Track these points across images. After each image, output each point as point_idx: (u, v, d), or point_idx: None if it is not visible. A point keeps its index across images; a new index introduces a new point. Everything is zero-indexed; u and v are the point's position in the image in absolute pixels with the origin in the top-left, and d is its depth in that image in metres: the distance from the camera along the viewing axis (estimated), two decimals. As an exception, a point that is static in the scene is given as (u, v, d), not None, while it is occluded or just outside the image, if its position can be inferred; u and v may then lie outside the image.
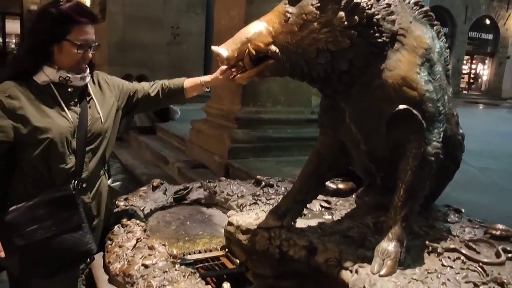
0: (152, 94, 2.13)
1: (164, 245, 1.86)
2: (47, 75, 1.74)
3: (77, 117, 1.81)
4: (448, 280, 1.63)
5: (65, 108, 1.78)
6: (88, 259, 1.90)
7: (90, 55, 1.81)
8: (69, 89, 1.79)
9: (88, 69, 1.86)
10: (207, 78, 2.17)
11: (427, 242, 1.92)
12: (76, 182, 1.80)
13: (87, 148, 1.84)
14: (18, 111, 1.67)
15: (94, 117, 1.88)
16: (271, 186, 2.83)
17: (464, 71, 26.77)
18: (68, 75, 1.77)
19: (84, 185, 1.85)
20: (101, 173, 1.98)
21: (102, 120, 1.90)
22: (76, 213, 1.77)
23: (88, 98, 1.89)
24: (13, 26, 21.87)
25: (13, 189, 1.76)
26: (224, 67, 1.96)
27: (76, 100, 1.83)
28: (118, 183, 2.13)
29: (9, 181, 1.76)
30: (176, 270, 1.66)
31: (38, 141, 1.70)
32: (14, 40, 22.18)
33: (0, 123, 1.65)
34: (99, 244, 1.96)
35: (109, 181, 2.05)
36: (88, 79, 1.87)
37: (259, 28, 1.70)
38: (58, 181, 1.77)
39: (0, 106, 1.66)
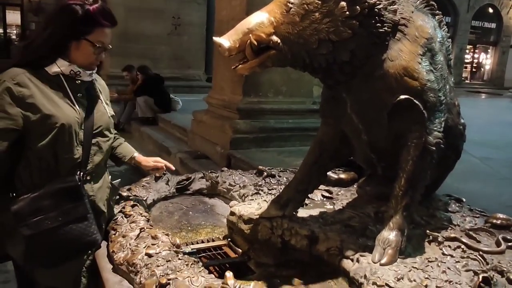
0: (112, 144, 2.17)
1: (167, 234, 1.88)
2: (58, 66, 1.75)
3: (84, 109, 1.83)
4: (448, 268, 1.64)
5: (73, 99, 1.79)
6: (93, 249, 1.92)
7: (103, 56, 1.85)
8: (77, 81, 1.81)
9: (95, 73, 1.90)
10: (138, 157, 2.28)
11: (427, 231, 1.94)
12: (81, 173, 1.81)
13: (93, 141, 1.87)
14: (27, 99, 1.68)
15: (100, 111, 1.92)
16: (273, 176, 2.84)
17: (466, 61, 26.62)
18: (79, 69, 1.79)
19: (88, 177, 1.87)
20: (105, 169, 2.02)
21: (108, 113, 1.95)
22: (82, 204, 1.79)
23: (95, 93, 1.93)
24: (13, 16, 21.80)
25: (19, 179, 1.77)
26: (161, 164, 2.25)
27: (83, 93, 1.86)
28: (118, 180, 2.16)
29: (14, 171, 1.77)
30: (179, 259, 1.67)
31: (47, 129, 1.71)
32: (15, 31, 22.13)
33: (10, 110, 1.66)
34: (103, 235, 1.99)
35: (109, 179, 2.08)
36: (94, 76, 1.91)
37: (260, 19, 1.70)
38: (64, 172, 1.78)
39: (9, 94, 1.65)
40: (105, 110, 1.94)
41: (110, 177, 2.09)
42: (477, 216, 2.19)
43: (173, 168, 2.34)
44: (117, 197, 2.26)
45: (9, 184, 1.76)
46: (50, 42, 1.73)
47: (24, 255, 1.76)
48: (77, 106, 1.80)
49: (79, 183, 1.78)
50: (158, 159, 2.30)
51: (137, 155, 2.26)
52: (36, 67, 1.73)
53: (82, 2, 1.74)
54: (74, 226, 1.77)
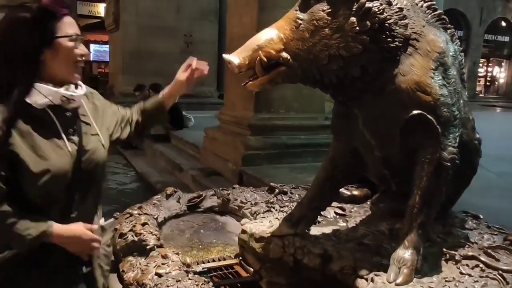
0: (133, 118, 1.88)
1: (177, 253, 1.85)
2: (45, 95, 1.42)
3: (76, 149, 1.52)
4: (467, 288, 1.59)
5: (65, 140, 1.49)
6: None
7: (85, 49, 1.53)
8: (67, 113, 1.51)
9: (83, 84, 1.59)
10: (167, 88, 2.01)
11: (444, 249, 1.89)
12: (71, 216, 1.53)
13: (82, 184, 1.55)
14: (6, 148, 1.37)
15: (92, 143, 1.59)
16: (285, 193, 2.81)
17: (480, 74, 26.42)
18: (71, 93, 1.48)
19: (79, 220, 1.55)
20: (95, 211, 1.68)
21: (104, 145, 1.63)
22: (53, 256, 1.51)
23: (85, 121, 1.60)
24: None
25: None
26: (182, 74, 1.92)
27: (74, 127, 1.54)
28: (110, 220, 1.76)
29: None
30: (189, 279, 1.65)
31: (31, 186, 1.43)
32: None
33: None
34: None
35: (101, 220, 1.70)
36: (86, 90, 1.61)
37: (270, 35, 1.69)
38: (54, 219, 1.48)
39: None
40: (99, 141, 1.61)
41: (102, 219, 1.71)
42: (495, 233, 2.13)
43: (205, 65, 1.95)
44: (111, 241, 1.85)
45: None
46: (12, 65, 1.40)
47: None
48: (69, 148, 1.49)
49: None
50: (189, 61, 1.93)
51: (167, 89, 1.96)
52: (12, 102, 1.38)
53: (24, 7, 1.45)
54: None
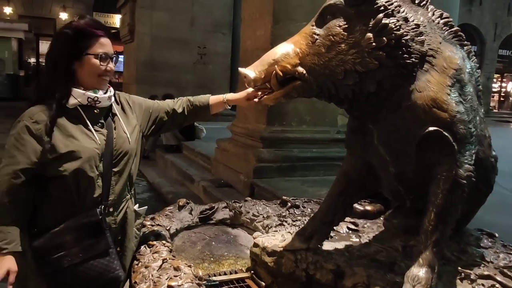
0: (178, 111, 2.10)
1: (189, 266, 1.85)
2: (75, 97, 1.74)
3: (104, 139, 1.80)
4: (483, 309, 1.56)
5: (93, 130, 1.77)
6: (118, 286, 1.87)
7: (112, 66, 1.81)
8: (96, 111, 1.80)
9: (112, 88, 1.88)
10: (229, 96, 2.14)
11: (459, 268, 1.87)
12: (103, 206, 1.78)
13: (114, 170, 1.83)
14: (44, 137, 1.67)
15: (121, 137, 1.86)
16: (297, 207, 2.80)
17: (494, 90, 26.23)
18: (96, 95, 1.77)
19: (111, 209, 1.84)
20: (128, 197, 1.95)
21: (130, 140, 1.89)
22: (103, 238, 1.76)
23: (113, 118, 1.88)
24: (46, 47, 22.65)
25: (41, 215, 1.75)
26: (251, 89, 1.94)
27: (102, 121, 1.83)
28: (144, 208, 2.08)
29: (37, 207, 1.74)
30: (201, 292, 1.64)
31: (66, 165, 1.69)
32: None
33: (26, 149, 1.65)
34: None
35: (135, 206, 2.01)
36: (113, 98, 1.88)
37: (286, 50, 1.70)
38: (87, 206, 1.76)
39: (28, 131, 1.66)
40: (125, 134, 1.88)
41: (136, 205, 2.03)
42: (511, 252, 2.09)
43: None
44: (141, 225, 2.22)
45: (32, 219, 1.75)
46: (56, 73, 1.74)
47: None
48: (96, 137, 1.77)
49: (100, 217, 1.75)
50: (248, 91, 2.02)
51: (228, 96, 2.13)
52: (53, 102, 1.72)
53: (69, 24, 1.78)
54: (96, 262, 1.74)
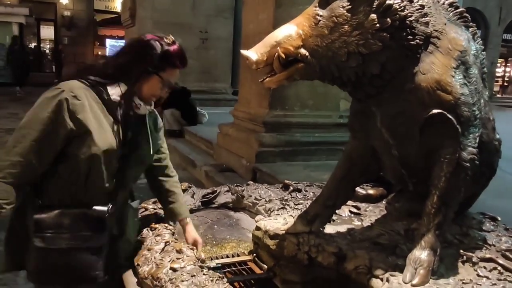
0: (157, 175, 2.13)
1: (192, 249, 1.86)
2: (122, 90, 1.76)
3: (127, 142, 1.80)
4: (484, 291, 1.57)
5: (120, 130, 1.77)
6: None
7: (166, 93, 1.85)
8: (131, 112, 1.80)
9: (154, 109, 1.93)
10: (185, 224, 2.14)
11: (461, 251, 1.87)
12: (111, 206, 1.77)
13: (128, 175, 1.84)
14: (78, 114, 1.65)
15: (143, 145, 1.88)
16: (299, 191, 2.80)
17: (498, 74, 26.05)
18: (140, 102, 1.80)
19: (114, 209, 1.82)
20: (129, 201, 1.98)
21: (152, 150, 1.93)
22: (101, 236, 1.75)
23: (143, 128, 1.90)
24: (47, 31, 22.57)
25: (46, 191, 1.74)
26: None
27: (133, 126, 1.83)
28: (136, 201, 2.07)
29: (44, 182, 1.73)
30: (204, 274, 1.65)
31: (85, 150, 1.67)
32: (48, 46, 22.88)
33: (64, 121, 1.63)
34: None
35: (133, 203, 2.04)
36: (152, 107, 1.91)
37: (288, 31, 1.68)
38: (89, 195, 1.74)
39: (66, 104, 1.63)
40: (148, 147, 1.90)
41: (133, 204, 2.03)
42: (513, 236, 2.09)
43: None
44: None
45: (38, 190, 1.74)
46: (121, 68, 1.75)
47: (33, 269, 1.73)
48: (121, 136, 1.76)
49: (106, 215, 1.75)
50: (198, 241, 2.12)
51: (184, 219, 2.15)
52: (97, 86, 1.73)
53: (161, 39, 1.78)
54: (85, 255, 1.72)
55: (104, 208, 1.75)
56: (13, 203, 1.64)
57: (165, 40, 1.79)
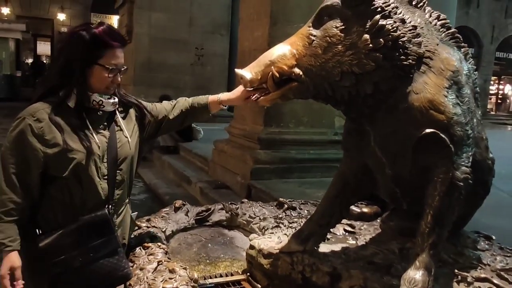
0: (176, 113, 2.07)
1: (185, 268, 1.83)
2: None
3: (105, 141, 1.78)
4: (480, 312, 1.55)
5: (93, 132, 1.75)
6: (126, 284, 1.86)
7: (119, 79, 1.79)
8: (99, 113, 1.78)
9: (117, 97, 1.85)
10: (224, 97, 2.09)
11: (456, 270, 1.86)
12: (109, 206, 1.78)
13: (118, 172, 1.82)
14: (46, 135, 1.65)
15: (121, 141, 1.85)
16: (294, 209, 2.79)
17: (491, 92, 26.28)
18: (101, 99, 1.75)
19: (112, 211, 1.83)
20: (127, 201, 1.95)
21: (130, 144, 1.88)
22: (113, 238, 1.75)
23: (116, 122, 1.86)
24: (44, 47, 22.67)
25: (42, 218, 1.73)
26: (241, 87, 1.91)
27: (105, 123, 1.81)
28: (135, 213, 2.07)
29: (38, 209, 1.72)
30: (196, 294, 1.63)
31: (67, 164, 1.67)
32: (45, 61, 22.94)
33: (32, 146, 1.63)
34: None
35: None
36: (117, 100, 1.84)
37: (282, 51, 1.70)
38: (89, 207, 1.74)
39: (30, 130, 1.64)
40: (126, 138, 1.86)
41: (130, 210, 2.02)
42: (508, 255, 2.09)
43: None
44: (136, 229, 2.22)
45: (34, 220, 1.73)
46: (64, 72, 1.71)
47: None
48: (96, 139, 1.75)
49: (109, 216, 1.75)
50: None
51: (222, 97, 2.07)
52: (56, 100, 1.71)
53: (87, 27, 1.71)
54: (106, 261, 1.73)
55: (104, 211, 1.74)
56: (18, 240, 1.65)
57: (91, 25, 1.72)
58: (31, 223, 1.72)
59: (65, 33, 2.06)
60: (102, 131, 1.79)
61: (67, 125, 1.69)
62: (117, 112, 1.87)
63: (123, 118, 1.91)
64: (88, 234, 1.71)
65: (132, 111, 1.97)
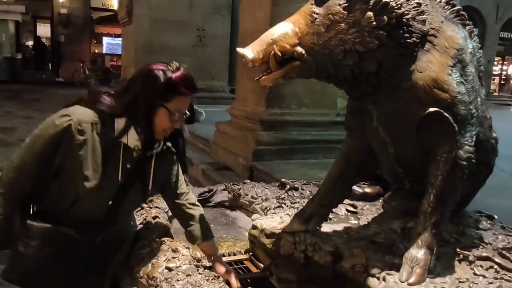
0: (177, 201, 1.97)
1: (188, 248, 1.84)
2: (128, 138, 1.67)
3: (124, 178, 1.70)
4: (481, 290, 1.56)
5: (120, 168, 1.68)
6: None
7: (179, 125, 1.72)
8: (134, 153, 1.71)
9: (163, 144, 1.79)
10: (215, 258, 1.95)
11: (458, 249, 1.86)
12: (98, 238, 1.73)
13: (124, 208, 1.77)
14: (77, 151, 1.58)
15: (137, 190, 1.78)
16: (296, 189, 2.80)
17: (494, 73, 26.09)
18: (141, 146, 1.69)
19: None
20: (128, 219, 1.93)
21: (149, 189, 1.82)
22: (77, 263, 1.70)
23: (145, 169, 1.78)
24: (44, 29, 22.53)
25: (40, 201, 1.71)
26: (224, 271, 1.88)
27: (133, 163, 1.72)
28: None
29: (39, 191, 1.69)
30: (199, 273, 1.64)
31: (74, 186, 1.62)
32: (45, 43, 22.80)
33: (58, 151, 1.58)
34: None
35: None
36: (159, 149, 1.77)
37: (285, 29, 1.67)
38: (84, 216, 1.69)
39: (66, 133, 1.57)
40: (143, 191, 1.79)
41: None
42: (510, 234, 2.09)
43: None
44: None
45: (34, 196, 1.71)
46: (129, 107, 1.64)
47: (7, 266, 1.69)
48: (119, 175, 1.68)
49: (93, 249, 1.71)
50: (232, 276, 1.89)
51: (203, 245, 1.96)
52: (108, 120, 1.64)
53: (166, 68, 1.65)
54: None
55: (92, 246, 1.70)
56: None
57: (169, 67, 1.65)
58: (30, 198, 1.71)
59: (143, 68, 2.01)
60: (127, 168, 1.71)
61: (99, 150, 1.63)
62: (153, 159, 1.79)
63: (158, 163, 1.82)
64: (63, 248, 1.67)
65: (171, 158, 1.89)
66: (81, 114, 1.60)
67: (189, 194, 2.01)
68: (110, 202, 1.71)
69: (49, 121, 1.61)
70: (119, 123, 1.65)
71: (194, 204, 2.00)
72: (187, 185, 2.04)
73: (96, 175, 1.62)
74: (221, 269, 1.89)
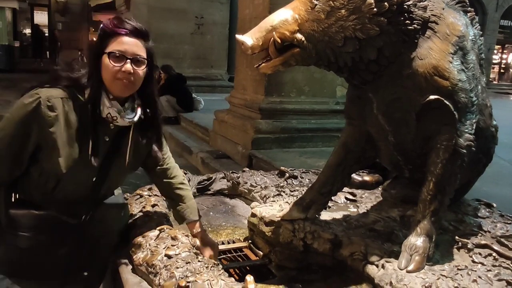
0: (166, 185, 1.97)
1: (187, 235, 1.85)
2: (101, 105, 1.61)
3: (104, 154, 1.67)
4: (479, 277, 1.57)
5: (97, 141, 1.63)
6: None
7: (130, 69, 1.57)
8: (111, 126, 1.66)
9: (139, 108, 1.71)
10: (200, 237, 1.94)
11: (456, 237, 1.87)
12: (86, 216, 1.71)
13: (106, 184, 1.74)
14: (49, 127, 1.54)
15: (120, 166, 1.75)
16: (295, 177, 2.79)
17: (494, 61, 25.98)
18: (117, 115, 1.62)
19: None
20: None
21: (127, 162, 1.75)
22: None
23: (124, 141, 1.72)
24: (41, 17, 22.37)
25: (22, 188, 1.67)
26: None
27: (111, 137, 1.69)
28: (119, 191, 1.97)
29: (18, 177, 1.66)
30: (199, 261, 1.64)
31: (51, 165, 1.58)
32: (44, 31, 22.65)
33: (31, 130, 1.54)
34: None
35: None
36: (136, 119, 1.69)
37: (284, 16, 1.65)
38: (68, 198, 1.67)
39: (36, 111, 1.53)
40: (125, 167, 1.76)
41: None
42: (508, 222, 2.10)
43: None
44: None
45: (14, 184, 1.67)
46: (89, 70, 1.63)
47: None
48: (98, 149, 1.63)
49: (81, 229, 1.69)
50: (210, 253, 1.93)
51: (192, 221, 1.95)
52: (77, 94, 1.60)
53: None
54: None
55: (74, 221, 1.69)
56: None
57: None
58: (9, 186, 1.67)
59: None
60: (105, 142, 1.67)
61: (74, 124, 1.59)
62: (131, 130, 1.73)
63: (136, 140, 1.77)
64: (54, 235, 1.65)
65: (148, 138, 1.83)
66: (49, 91, 1.57)
67: (176, 170, 2.00)
68: (94, 179, 1.68)
69: (18, 103, 1.57)
70: (88, 94, 1.61)
71: (182, 183, 2.00)
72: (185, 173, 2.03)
73: (73, 150, 1.59)
74: (207, 252, 1.91)
